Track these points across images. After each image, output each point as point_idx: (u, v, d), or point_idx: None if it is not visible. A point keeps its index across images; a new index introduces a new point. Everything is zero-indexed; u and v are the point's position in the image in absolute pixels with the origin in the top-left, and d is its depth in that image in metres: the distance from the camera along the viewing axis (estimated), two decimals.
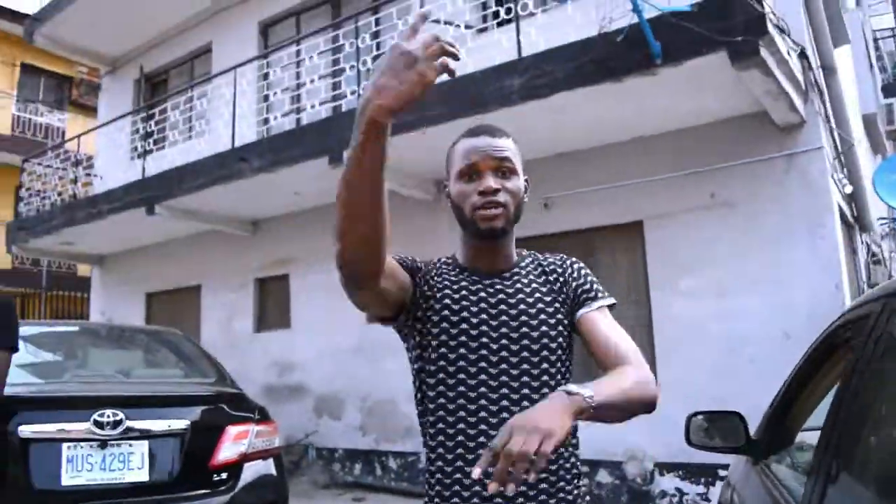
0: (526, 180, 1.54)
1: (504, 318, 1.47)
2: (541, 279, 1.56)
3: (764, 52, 4.35)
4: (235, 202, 7.81)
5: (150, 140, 8.75)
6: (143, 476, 3.32)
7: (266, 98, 7.97)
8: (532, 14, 5.70)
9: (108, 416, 3.26)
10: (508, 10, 5.77)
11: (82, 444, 3.24)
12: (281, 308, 8.33)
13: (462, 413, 1.41)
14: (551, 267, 1.59)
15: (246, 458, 3.60)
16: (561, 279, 1.56)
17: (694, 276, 5.66)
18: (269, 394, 7.78)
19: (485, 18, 6.55)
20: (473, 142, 1.49)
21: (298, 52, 7.53)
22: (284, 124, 7.69)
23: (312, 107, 7.36)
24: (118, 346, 5.09)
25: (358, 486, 7.04)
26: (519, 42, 5.50)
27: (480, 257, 1.54)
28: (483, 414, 1.40)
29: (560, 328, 1.50)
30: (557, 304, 1.53)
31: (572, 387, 1.18)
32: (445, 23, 6.36)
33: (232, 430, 3.61)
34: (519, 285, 1.52)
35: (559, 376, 1.48)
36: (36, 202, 10.44)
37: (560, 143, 6.14)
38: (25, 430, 3.13)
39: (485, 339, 1.45)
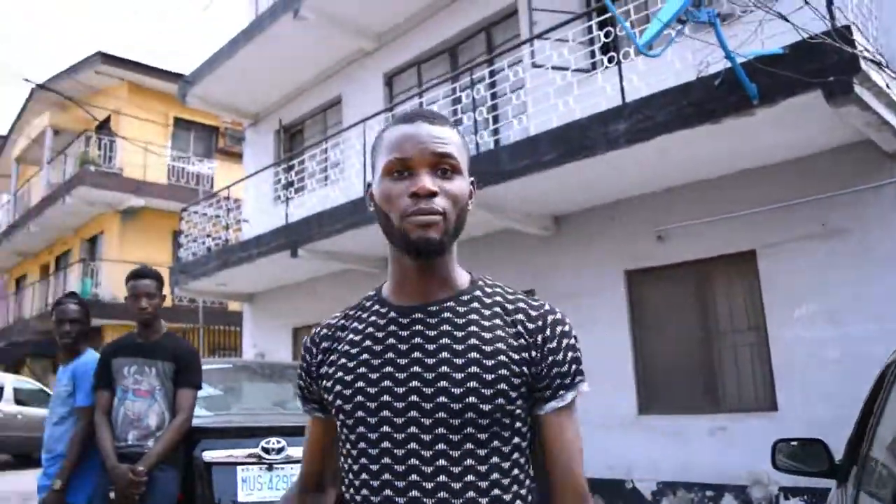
0: (472, 182, 1.22)
1: (416, 368, 1.13)
2: (492, 321, 1.17)
3: (859, 89, 4.54)
4: (368, 243, 8.54)
5: (291, 189, 9.68)
6: None
7: None
8: (633, 60, 6.08)
9: (273, 444, 3.93)
10: (611, 59, 6.17)
11: (252, 466, 3.92)
12: None
13: (365, 491, 1.12)
14: (519, 313, 1.19)
15: None
16: (529, 338, 1.16)
17: (808, 304, 5.80)
18: None
19: (593, 66, 6.94)
20: (407, 129, 1.17)
21: (421, 104, 8.19)
22: None
23: None
24: (271, 381, 5.85)
25: None
26: (622, 88, 5.88)
27: (408, 281, 1.19)
28: (388, 492, 1.09)
29: (503, 398, 1.11)
30: (511, 366, 1.13)
31: None
32: (554, 68, 6.84)
33: None
34: (447, 326, 1.15)
35: (504, 472, 1.11)
36: (193, 247, 11.68)
37: (668, 178, 6.43)
38: (208, 456, 3.84)
39: (385, 413, 1.12)
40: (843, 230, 5.65)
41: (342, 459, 1.18)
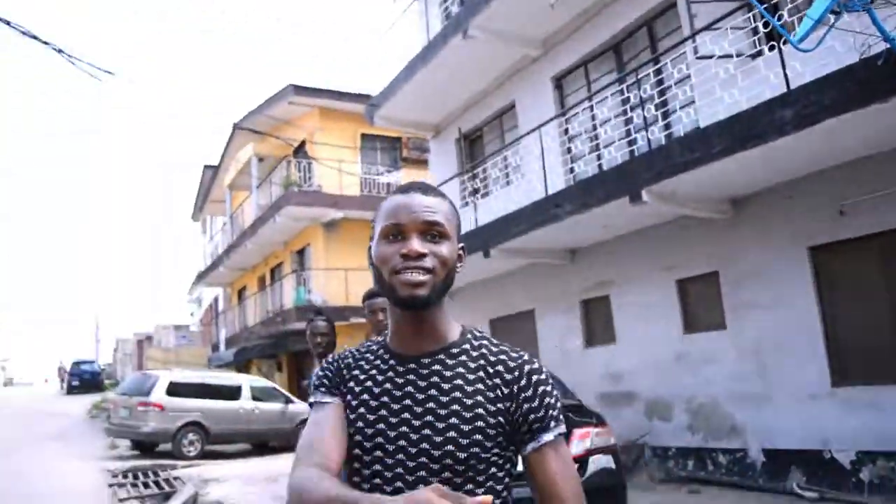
0: (461, 248, 1.40)
1: (406, 415, 1.30)
2: (476, 374, 1.33)
3: None
4: (553, 238, 9.19)
5: (478, 194, 10.55)
6: (520, 468, 4.72)
7: (569, 150, 9.30)
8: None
9: None
10: (772, 47, 6.41)
11: None
12: (605, 325, 9.55)
13: None
14: (498, 365, 1.34)
15: (590, 453, 4.84)
16: (505, 389, 1.31)
17: None
18: (602, 401, 9.03)
19: (758, 54, 7.16)
20: (401, 199, 1.34)
21: (592, 108, 8.73)
22: (588, 171, 8.94)
23: (601, 155, 8.55)
24: None
25: (692, 480, 7.95)
26: (786, 75, 6.13)
27: (402, 333, 1.36)
28: None
29: (478, 447, 1.27)
30: (487, 418, 1.29)
31: None
32: (719, 58, 7.14)
33: (577, 433, 4.87)
34: (436, 378, 1.32)
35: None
36: None
37: (848, 151, 6.55)
38: None
39: (378, 453, 1.29)
40: None
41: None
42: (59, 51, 6.92)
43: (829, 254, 6.95)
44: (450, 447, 1.25)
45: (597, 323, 9.74)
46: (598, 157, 8.80)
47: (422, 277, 1.28)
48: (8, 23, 6.52)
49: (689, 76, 7.60)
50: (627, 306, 9.08)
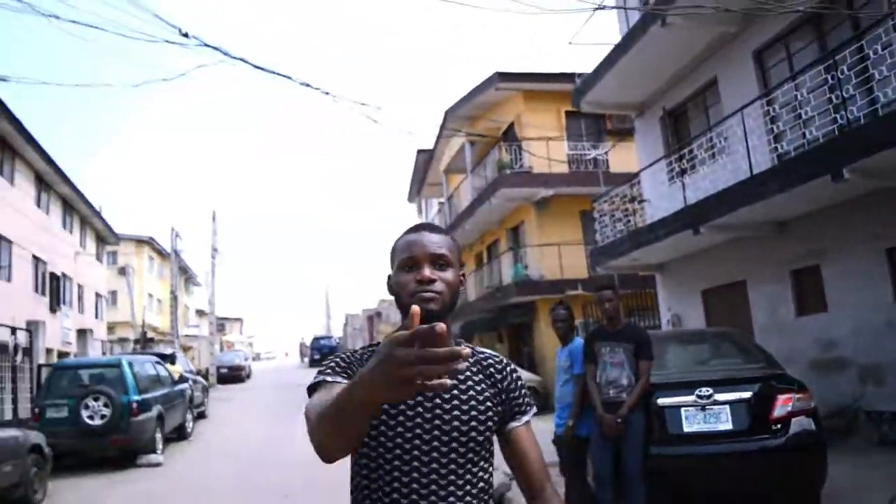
0: (462, 274, 1.75)
1: (438, 410, 1.63)
2: (479, 375, 1.74)
3: None
4: (760, 214, 9.71)
5: (685, 174, 11.23)
6: (728, 426, 5.66)
7: (772, 130, 9.76)
8: None
9: (704, 392, 5.69)
10: None
11: (691, 408, 5.72)
12: (816, 295, 9.94)
13: (395, 495, 1.59)
14: (489, 363, 1.78)
15: (792, 415, 5.63)
16: (501, 383, 1.76)
17: None
18: (814, 367, 9.48)
19: None
20: (413, 237, 1.70)
21: (796, 87, 9.13)
22: (790, 149, 9.39)
23: (807, 133, 8.95)
24: (693, 344, 7.58)
25: None
26: None
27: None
28: (414, 498, 1.58)
29: (489, 423, 1.69)
30: (489, 403, 1.71)
31: None
32: None
33: (780, 398, 5.68)
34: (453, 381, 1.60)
35: (483, 473, 1.69)
36: (606, 231, 13.88)
37: None
38: (662, 402, 5.74)
39: (400, 429, 1.61)
40: None
41: (367, 471, 1.65)
42: (326, 93, 8.63)
43: None
44: (455, 433, 1.62)
45: (808, 292, 10.13)
46: (803, 136, 9.17)
47: (433, 296, 1.62)
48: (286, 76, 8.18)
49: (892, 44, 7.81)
50: (838, 275, 9.44)
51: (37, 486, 9.21)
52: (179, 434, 14.97)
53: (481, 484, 1.66)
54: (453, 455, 1.61)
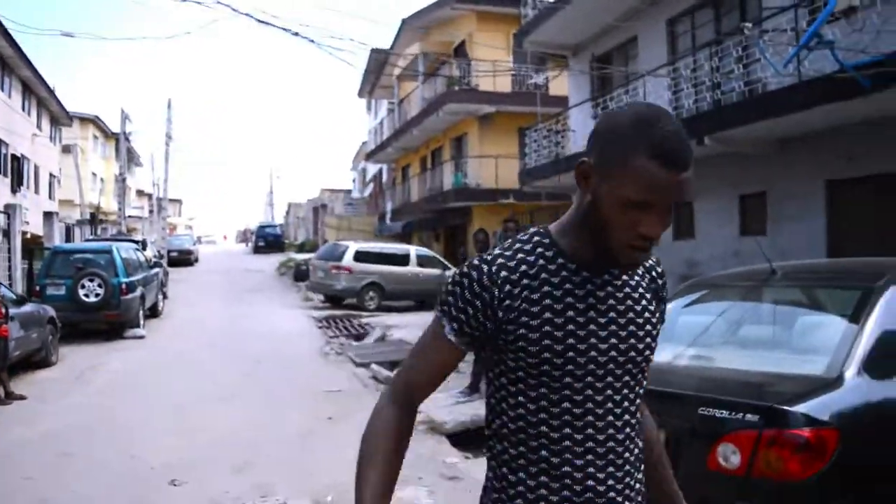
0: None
1: (614, 326, 1.43)
2: (645, 282, 1.53)
3: None
4: None
5: (603, 111, 13.84)
6: None
7: (674, 91, 12.41)
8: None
9: None
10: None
11: None
12: (688, 224, 12.84)
13: (568, 430, 1.40)
14: (651, 265, 1.57)
15: None
16: (662, 289, 1.58)
17: None
18: (681, 281, 12.40)
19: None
20: (662, 175, 1.26)
21: (695, 60, 11.72)
22: (693, 109, 12.04)
23: (698, 97, 11.61)
24: None
25: None
26: (799, 71, 9.05)
27: (595, 251, 1.40)
28: (590, 431, 1.40)
29: (657, 339, 1.51)
30: (658, 315, 1.54)
31: None
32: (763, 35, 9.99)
33: None
34: (628, 289, 1.47)
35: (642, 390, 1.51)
36: (534, 156, 16.58)
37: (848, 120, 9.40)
38: None
39: (593, 353, 1.40)
40: None
41: (513, 402, 1.44)
42: (311, 41, 10.87)
43: (839, 187, 9.96)
44: (632, 353, 1.43)
45: (683, 222, 13.06)
46: (696, 102, 11.82)
47: (647, 255, 1.38)
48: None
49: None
50: (705, 211, 12.35)
51: (52, 351, 11.69)
52: (153, 312, 17.41)
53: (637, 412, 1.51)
54: (629, 381, 1.44)
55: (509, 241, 1.50)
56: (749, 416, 3.12)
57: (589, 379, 1.40)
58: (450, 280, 1.46)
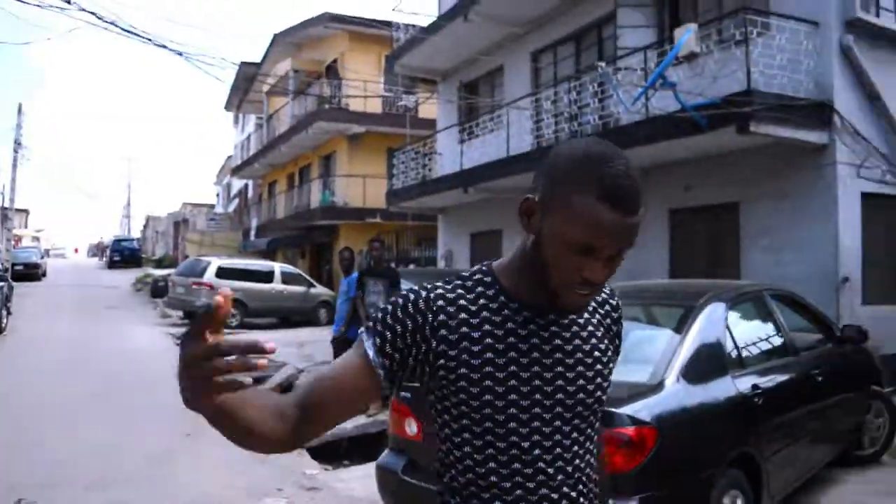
0: None
1: (560, 368, 1.36)
2: (597, 318, 1.48)
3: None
4: (513, 182, 13.07)
5: (466, 141, 14.43)
6: None
7: (537, 121, 13.11)
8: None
9: None
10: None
11: None
12: None
13: (518, 479, 1.34)
14: (603, 298, 1.51)
15: None
16: (615, 325, 1.53)
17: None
18: None
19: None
20: (609, 218, 1.21)
21: (556, 93, 12.46)
22: (552, 135, 12.71)
23: (560, 131, 12.35)
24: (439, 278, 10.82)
25: None
26: (647, 108, 9.87)
27: (539, 290, 1.35)
28: (541, 477, 1.34)
29: (609, 379, 1.45)
30: (610, 352, 1.47)
31: None
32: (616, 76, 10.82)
33: None
34: (576, 328, 1.41)
35: (594, 433, 1.45)
36: (402, 177, 16.96)
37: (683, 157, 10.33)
38: None
39: (538, 396, 1.34)
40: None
41: (459, 455, 1.37)
42: (179, 54, 10.78)
43: (679, 215, 10.88)
44: (581, 395, 1.37)
45: None
46: (556, 132, 12.54)
47: (589, 299, 1.34)
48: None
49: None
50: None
51: None
52: None
53: (594, 449, 1.46)
54: (580, 424, 1.38)
55: (452, 276, 1.45)
56: None
57: (535, 423, 1.35)
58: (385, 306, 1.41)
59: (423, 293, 1.36)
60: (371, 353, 1.33)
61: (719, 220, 10.36)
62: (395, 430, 4.62)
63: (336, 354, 8.93)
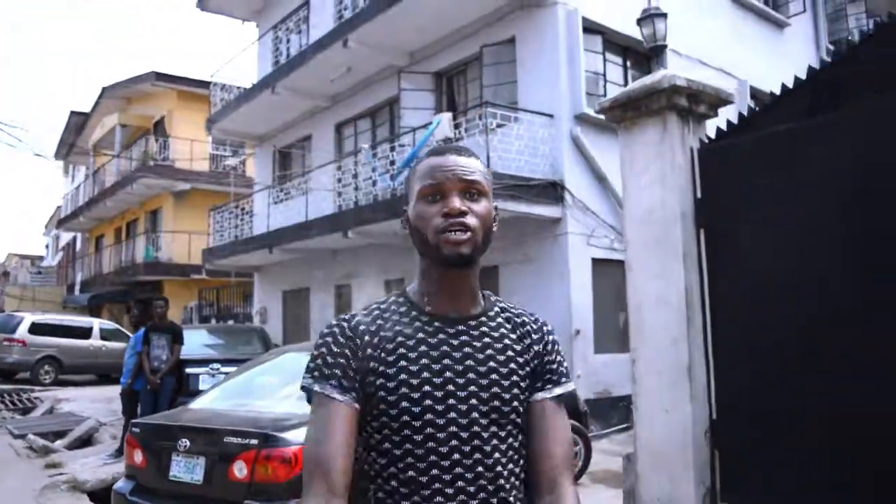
0: (495, 207, 1.50)
1: (472, 374, 1.43)
2: (516, 334, 1.54)
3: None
4: (315, 244, 14.26)
5: (279, 203, 15.52)
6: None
7: (339, 183, 14.40)
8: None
9: (214, 367, 9.84)
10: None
11: (205, 375, 9.84)
12: (347, 306, 14.75)
13: (437, 484, 1.37)
14: (522, 320, 1.57)
15: None
16: (535, 346, 1.55)
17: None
18: None
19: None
20: (438, 160, 1.45)
21: (356, 161, 13.82)
22: (352, 203, 14.04)
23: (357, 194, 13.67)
24: (219, 336, 11.78)
25: None
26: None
27: (443, 294, 1.48)
28: (460, 483, 1.37)
29: (515, 395, 1.47)
30: (527, 368, 1.52)
31: None
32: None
33: None
34: (487, 339, 1.49)
35: (520, 446, 1.48)
36: (219, 236, 17.81)
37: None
38: (189, 370, 9.78)
39: (452, 401, 1.40)
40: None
41: (383, 463, 1.41)
42: None
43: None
44: (515, 403, 1.45)
45: (343, 302, 14.97)
46: (355, 195, 13.85)
47: (464, 236, 1.40)
48: None
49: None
50: (361, 292, 14.32)
51: None
52: None
53: (522, 462, 1.48)
54: (497, 431, 1.43)
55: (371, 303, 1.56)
56: (252, 441, 4.67)
57: (452, 429, 1.39)
58: (312, 353, 1.46)
59: (345, 323, 1.48)
60: (337, 395, 1.39)
61: (488, 279, 11.90)
62: (129, 460, 5.59)
63: (124, 406, 9.68)
